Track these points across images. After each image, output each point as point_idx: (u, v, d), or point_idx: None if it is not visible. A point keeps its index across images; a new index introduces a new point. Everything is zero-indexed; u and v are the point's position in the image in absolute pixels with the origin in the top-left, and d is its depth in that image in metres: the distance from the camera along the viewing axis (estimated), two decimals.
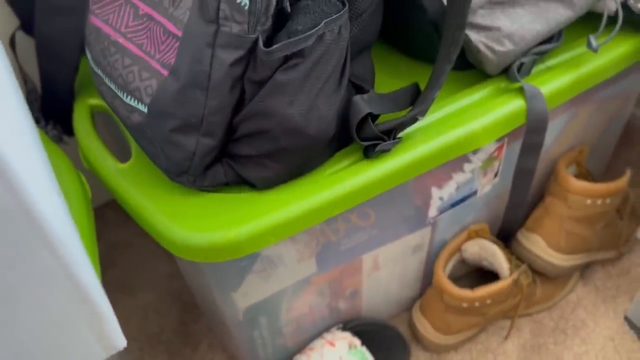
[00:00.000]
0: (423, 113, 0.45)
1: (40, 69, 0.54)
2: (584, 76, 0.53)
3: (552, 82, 0.51)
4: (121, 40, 0.42)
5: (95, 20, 0.44)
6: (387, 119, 0.46)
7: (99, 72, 0.44)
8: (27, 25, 0.58)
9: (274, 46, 0.38)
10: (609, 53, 0.54)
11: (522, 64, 0.51)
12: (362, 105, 0.43)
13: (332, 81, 0.41)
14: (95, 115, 0.54)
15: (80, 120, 0.52)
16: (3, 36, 0.60)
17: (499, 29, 0.49)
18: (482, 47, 0.50)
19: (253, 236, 0.41)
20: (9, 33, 0.60)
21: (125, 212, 0.47)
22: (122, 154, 0.52)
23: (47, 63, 0.53)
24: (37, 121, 0.59)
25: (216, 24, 0.37)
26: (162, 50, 0.40)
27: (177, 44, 0.39)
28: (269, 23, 0.39)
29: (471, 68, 0.53)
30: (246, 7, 0.36)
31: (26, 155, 0.28)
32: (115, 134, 0.56)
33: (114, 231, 0.80)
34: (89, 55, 0.46)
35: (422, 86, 0.48)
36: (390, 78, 0.55)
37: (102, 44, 0.43)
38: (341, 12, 0.40)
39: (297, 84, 0.39)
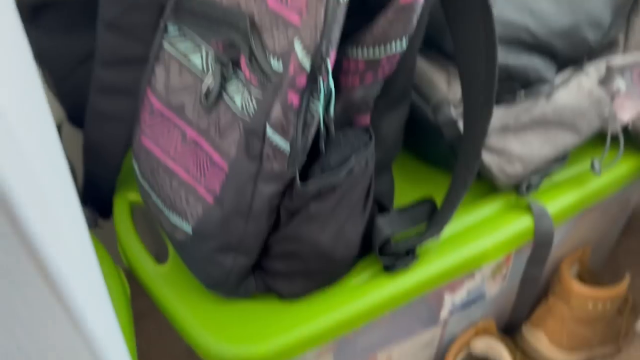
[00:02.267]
0: (439, 232, 0.49)
1: (85, 164, 0.58)
2: (588, 195, 0.57)
3: (558, 200, 0.56)
4: (170, 163, 0.46)
5: (145, 140, 0.48)
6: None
7: (145, 186, 0.48)
8: (73, 118, 0.63)
9: (309, 182, 0.42)
10: (612, 172, 0.58)
11: (530, 184, 0.55)
12: (385, 227, 0.47)
13: (358, 207, 0.46)
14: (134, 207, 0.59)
15: (121, 216, 0.56)
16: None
17: (510, 152, 0.54)
18: (494, 168, 0.54)
19: (284, 349, 0.45)
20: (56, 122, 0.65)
21: None
22: (157, 244, 0.56)
23: (92, 163, 0.57)
24: None
25: (259, 162, 0.41)
26: (207, 176, 0.44)
27: (222, 174, 0.43)
28: (304, 158, 0.43)
29: (482, 177, 0.58)
30: (287, 153, 0.41)
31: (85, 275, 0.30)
32: (153, 228, 0.60)
33: (133, 302, 0.83)
34: (136, 167, 0.50)
35: (438, 193, 0.52)
36: (406, 182, 0.59)
37: (151, 164, 0.47)
38: (368, 146, 0.45)
39: (328, 213, 0.44)
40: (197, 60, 0.47)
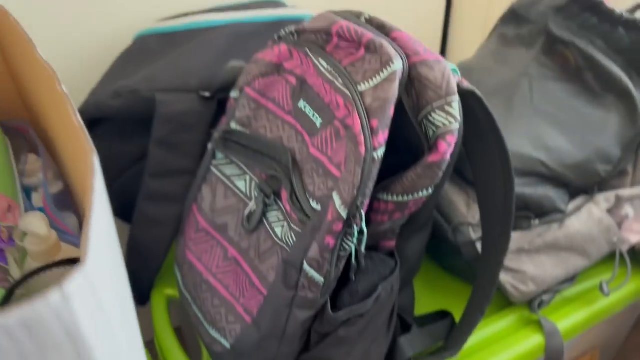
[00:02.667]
0: (456, 353, 0.53)
1: (127, 260, 0.63)
2: (597, 313, 0.60)
3: (569, 318, 0.59)
4: (212, 280, 0.51)
5: (190, 255, 0.53)
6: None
7: (188, 297, 0.53)
8: (118, 213, 0.68)
9: (340, 312, 0.46)
10: (620, 291, 0.61)
11: (542, 301, 0.59)
12: (407, 348, 0.51)
13: (383, 329, 0.50)
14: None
15: (159, 312, 0.60)
16: None
17: (524, 273, 0.58)
18: (509, 287, 0.58)
19: None
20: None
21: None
22: (192, 337, 0.60)
23: (135, 261, 0.62)
24: None
25: (295, 291, 0.46)
26: (246, 297, 0.49)
27: (261, 297, 0.47)
28: (335, 285, 0.47)
29: (498, 291, 0.62)
30: (321, 284, 0.45)
31: None
32: (188, 321, 0.64)
33: None
34: (179, 277, 0.55)
35: (455, 301, 0.55)
36: (425, 288, 0.63)
37: (194, 278, 0.52)
38: (394, 272, 0.49)
39: (356, 337, 0.47)
40: (241, 185, 0.52)
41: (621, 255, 0.59)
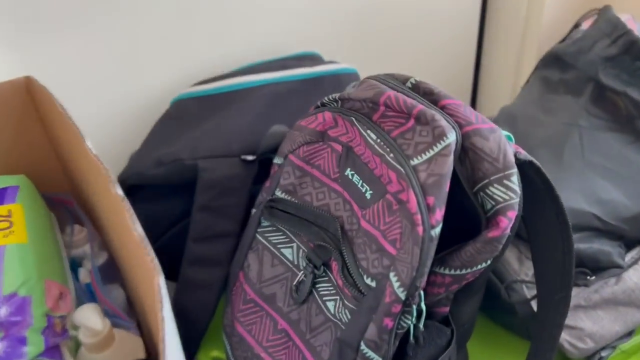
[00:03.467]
0: None
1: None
2: None
3: None
4: (263, 354, 0.50)
5: (239, 327, 0.52)
6: None
7: None
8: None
9: None
10: None
11: (601, 357, 0.57)
12: None
13: None
14: None
15: None
16: None
17: (582, 329, 0.56)
18: (565, 344, 0.56)
19: None
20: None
21: None
22: None
23: (180, 325, 0.61)
24: None
25: None
26: None
27: None
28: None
29: None
30: None
31: None
32: None
33: None
34: (228, 347, 0.54)
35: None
36: (480, 345, 0.61)
37: (245, 352, 0.51)
38: (451, 342, 0.47)
39: None
40: (288, 253, 0.51)
41: None
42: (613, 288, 0.55)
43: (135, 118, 0.61)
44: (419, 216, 0.40)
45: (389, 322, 0.41)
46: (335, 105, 0.49)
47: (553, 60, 0.61)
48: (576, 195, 0.54)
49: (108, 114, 0.61)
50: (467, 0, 0.80)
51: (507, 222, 0.41)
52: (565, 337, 0.55)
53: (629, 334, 0.58)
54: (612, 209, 0.54)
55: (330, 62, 0.62)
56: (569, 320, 0.56)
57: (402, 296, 0.40)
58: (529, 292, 0.55)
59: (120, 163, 0.60)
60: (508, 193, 0.41)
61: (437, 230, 0.40)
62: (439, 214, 0.40)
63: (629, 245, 0.57)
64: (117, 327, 0.44)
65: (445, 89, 0.93)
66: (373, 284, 0.43)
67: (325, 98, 0.50)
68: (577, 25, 0.61)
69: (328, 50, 0.68)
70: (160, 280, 0.30)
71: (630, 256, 0.56)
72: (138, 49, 0.58)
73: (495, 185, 0.41)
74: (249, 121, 0.56)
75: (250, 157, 0.55)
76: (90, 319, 0.39)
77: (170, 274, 0.63)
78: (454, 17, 0.80)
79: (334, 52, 0.70)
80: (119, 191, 0.36)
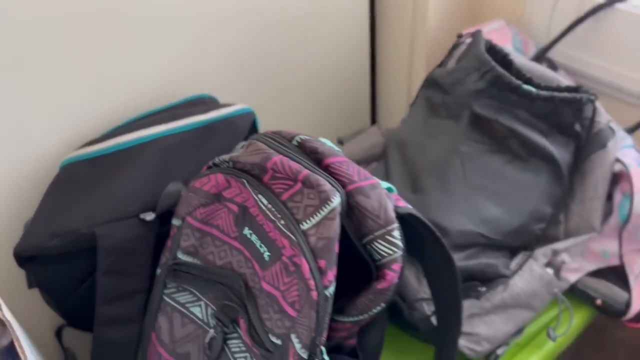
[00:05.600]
0: None
1: None
2: (547, 354, 0.65)
3: None
4: None
5: None
6: None
7: None
8: (73, 325, 0.67)
9: None
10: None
11: (496, 355, 0.63)
12: None
13: None
14: None
15: None
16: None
17: (478, 334, 0.61)
18: (465, 349, 0.61)
19: None
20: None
21: None
22: None
23: None
24: None
25: None
26: None
27: None
28: None
29: None
30: None
31: None
32: None
33: None
34: None
35: None
36: (393, 353, 0.66)
37: None
38: None
39: None
40: (197, 312, 0.52)
41: (563, 302, 0.63)
42: (502, 295, 0.60)
43: (24, 183, 0.59)
44: (312, 281, 0.42)
45: None
46: (227, 165, 0.50)
47: (433, 84, 0.64)
48: (462, 218, 0.58)
49: None
50: (354, 19, 0.82)
51: (393, 274, 0.44)
52: (464, 343, 0.61)
53: (520, 331, 0.64)
54: (495, 226, 0.59)
55: (223, 105, 0.62)
56: (466, 328, 0.61)
57: (305, 355, 0.43)
58: (429, 308, 0.59)
59: (15, 228, 0.59)
60: (391, 248, 0.44)
61: (330, 290, 0.43)
62: (331, 274, 0.43)
63: (514, 252, 0.63)
64: None
65: (345, 102, 0.95)
66: (278, 342, 0.45)
67: (217, 159, 0.51)
68: (452, 49, 0.65)
69: (222, 90, 0.68)
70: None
71: (515, 263, 0.62)
72: (19, 111, 0.56)
73: (380, 240, 0.44)
74: (143, 180, 0.55)
75: (149, 217, 0.55)
76: None
77: (87, 326, 0.63)
78: (344, 38, 0.83)
79: (228, 91, 0.70)
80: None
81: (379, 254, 0.44)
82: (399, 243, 0.44)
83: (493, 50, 0.62)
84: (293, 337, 0.43)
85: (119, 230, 0.54)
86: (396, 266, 0.44)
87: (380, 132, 0.77)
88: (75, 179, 0.56)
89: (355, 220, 0.45)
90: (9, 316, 0.43)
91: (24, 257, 0.56)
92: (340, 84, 0.86)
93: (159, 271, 0.55)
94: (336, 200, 0.43)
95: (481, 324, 0.61)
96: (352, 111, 0.90)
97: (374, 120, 0.97)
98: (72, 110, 0.59)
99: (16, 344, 0.43)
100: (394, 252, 0.44)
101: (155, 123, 0.58)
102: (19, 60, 0.54)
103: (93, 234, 0.53)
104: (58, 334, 0.67)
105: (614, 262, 0.65)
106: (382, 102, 0.94)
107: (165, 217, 0.56)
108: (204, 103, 0.62)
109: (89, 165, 0.56)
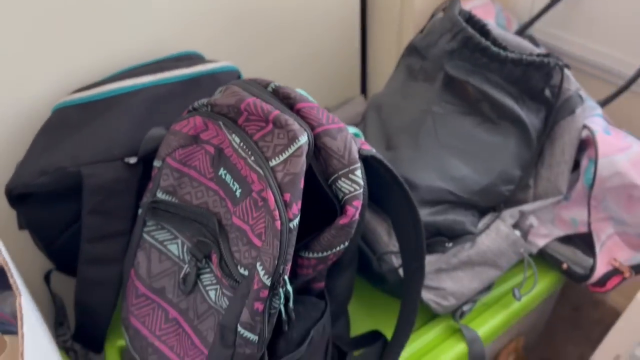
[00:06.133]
0: None
1: (77, 318, 0.65)
2: (513, 314, 0.67)
3: (487, 323, 0.66)
4: (156, 342, 0.54)
5: (133, 320, 0.56)
6: None
7: (137, 357, 0.56)
8: (61, 269, 0.70)
9: None
10: (531, 293, 0.68)
11: (462, 311, 0.65)
12: None
13: None
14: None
15: None
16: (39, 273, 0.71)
17: (444, 289, 0.63)
18: (431, 303, 0.64)
19: None
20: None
21: None
22: None
23: (84, 319, 0.64)
24: (64, 342, 0.70)
25: (233, 349, 0.50)
26: (190, 355, 0.52)
27: (202, 357, 0.51)
28: (270, 335, 0.52)
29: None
30: (256, 341, 0.49)
31: None
32: None
33: None
34: (127, 339, 0.58)
35: (387, 315, 0.61)
36: (360, 307, 0.68)
37: (140, 342, 0.55)
38: (325, 314, 0.54)
39: None
40: (174, 249, 0.55)
41: (529, 263, 0.65)
42: (469, 252, 0.63)
43: (17, 127, 0.62)
44: (277, 212, 0.45)
45: (259, 306, 0.47)
46: (206, 109, 0.53)
47: (413, 50, 0.67)
48: (432, 174, 0.61)
49: None
50: None
51: (354, 210, 0.47)
52: (430, 297, 0.63)
53: (487, 289, 0.66)
54: (464, 184, 0.61)
55: (210, 61, 0.65)
56: (432, 282, 0.63)
57: (268, 282, 0.46)
58: (397, 261, 0.62)
59: (8, 170, 0.62)
60: (353, 185, 0.47)
61: (294, 223, 0.46)
62: (295, 208, 0.46)
63: (482, 213, 0.65)
64: (10, 333, 0.47)
65: (335, 72, 0.97)
66: (245, 273, 0.48)
67: (196, 103, 0.54)
68: (432, 16, 0.67)
69: (211, 49, 0.71)
70: (22, 300, 0.33)
71: (482, 222, 0.64)
72: (13, 55, 0.59)
73: (343, 178, 0.47)
74: (129, 125, 0.58)
75: (132, 160, 0.58)
76: None
77: (74, 271, 0.66)
78: (336, 7, 0.85)
79: (218, 50, 0.72)
80: None
81: (342, 191, 0.47)
82: (360, 181, 0.47)
83: (472, 20, 0.65)
84: (258, 265, 0.46)
85: (104, 171, 0.57)
86: (357, 203, 0.47)
87: (366, 102, 0.80)
88: (65, 122, 0.59)
89: (322, 162, 0.48)
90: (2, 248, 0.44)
91: (15, 196, 0.60)
92: (331, 54, 0.88)
93: (140, 211, 0.58)
94: (303, 139, 0.46)
95: (448, 279, 0.63)
96: (342, 81, 0.93)
97: (364, 91, 0.99)
98: (65, 58, 0.62)
99: (5, 268, 0.45)
100: (355, 189, 0.47)
101: (143, 74, 0.61)
102: (15, 5, 0.57)
103: (79, 173, 0.56)
104: (47, 278, 0.71)
105: (583, 229, 0.68)
106: (372, 73, 0.96)
107: (149, 166, 0.59)
108: (190, 59, 0.65)
109: (79, 110, 0.59)
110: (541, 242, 0.68)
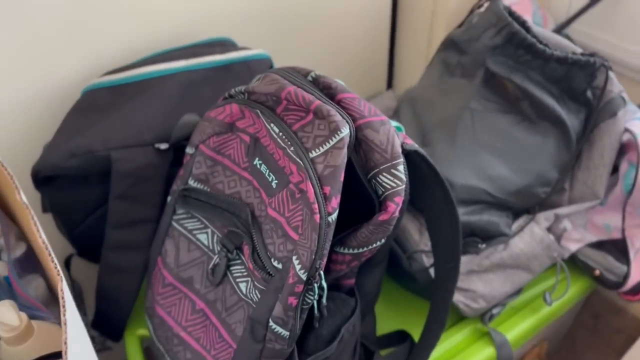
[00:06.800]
0: None
1: (97, 304, 0.64)
2: (542, 319, 0.66)
3: (516, 327, 0.64)
4: (182, 333, 0.53)
5: (159, 309, 0.55)
6: None
7: (161, 348, 0.55)
8: (82, 254, 0.69)
9: (308, 359, 0.49)
10: (563, 297, 0.67)
11: (492, 315, 0.64)
12: None
13: None
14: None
15: (132, 354, 0.62)
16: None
17: (475, 291, 0.62)
18: (461, 305, 0.62)
19: None
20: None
21: None
22: None
23: (105, 306, 0.63)
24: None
25: (263, 343, 0.48)
26: (217, 348, 0.51)
27: (231, 350, 0.50)
28: (300, 331, 0.50)
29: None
30: (287, 337, 0.48)
31: None
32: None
33: None
34: (151, 328, 0.57)
35: (416, 316, 0.60)
36: (386, 307, 0.67)
37: (165, 332, 0.54)
38: (355, 312, 0.52)
39: None
40: (204, 238, 0.54)
41: (561, 267, 0.64)
42: (502, 254, 0.61)
43: (47, 109, 0.61)
44: (316, 205, 0.43)
45: (293, 301, 0.46)
46: (243, 97, 0.52)
47: (451, 44, 0.65)
48: (468, 173, 0.59)
49: (19, 105, 0.60)
50: None
51: (395, 206, 0.45)
52: (460, 298, 0.62)
53: (517, 292, 0.65)
54: (500, 184, 0.60)
55: (242, 48, 0.64)
56: (463, 284, 0.62)
57: (304, 277, 0.44)
58: (428, 261, 0.61)
59: (35, 152, 0.61)
60: (395, 181, 0.45)
61: (333, 217, 0.44)
62: (335, 202, 0.44)
63: (516, 214, 0.64)
64: (36, 319, 0.46)
65: (362, 65, 0.95)
66: (279, 266, 0.47)
67: (233, 90, 0.52)
68: (472, 11, 0.65)
69: (240, 36, 0.69)
70: (63, 286, 0.32)
71: (517, 224, 0.63)
72: (45, 37, 0.58)
73: (384, 173, 0.45)
74: (161, 110, 0.57)
75: (163, 146, 0.56)
76: (6, 315, 0.41)
77: (95, 257, 0.65)
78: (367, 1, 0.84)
79: (246, 37, 0.71)
80: (24, 198, 0.37)
81: (383, 187, 0.46)
82: (403, 177, 0.45)
83: (513, 16, 0.63)
84: (294, 258, 0.45)
85: (134, 156, 0.56)
86: (398, 199, 0.45)
87: (396, 96, 0.78)
88: (95, 105, 0.58)
89: (362, 155, 0.47)
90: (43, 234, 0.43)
91: (41, 178, 0.59)
92: (359, 48, 0.87)
93: (169, 198, 0.56)
94: (345, 131, 0.44)
95: (479, 281, 0.62)
96: (368, 75, 0.91)
97: (389, 85, 0.98)
98: (97, 40, 0.61)
99: (44, 252, 0.42)
100: (397, 184, 0.45)
101: (175, 58, 0.60)
102: None
103: (108, 157, 0.55)
104: (67, 263, 0.69)
105: (616, 235, 0.66)
106: (400, 68, 0.94)
107: (179, 154, 0.58)
108: (223, 45, 0.64)
109: (109, 93, 0.58)
110: (573, 247, 0.66)
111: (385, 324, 0.65)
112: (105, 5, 0.60)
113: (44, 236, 0.35)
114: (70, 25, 0.59)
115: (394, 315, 0.66)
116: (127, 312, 0.62)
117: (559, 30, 0.77)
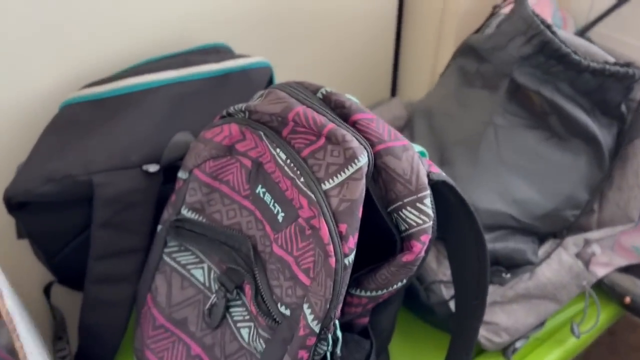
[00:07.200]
0: None
1: (80, 340, 0.58)
2: (569, 351, 0.60)
3: None
4: None
5: (150, 355, 0.49)
6: None
7: None
8: (62, 282, 0.62)
9: None
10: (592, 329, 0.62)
11: (515, 348, 0.58)
12: None
13: None
14: None
15: None
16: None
17: (497, 324, 0.56)
18: (482, 339, 0.57)
19: None
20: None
21: None
22: None
23: (89, 344, 0.57)
24: (63, 358, 0.63)
25: None
26: None
27: None
28: None
29: None
30: None
31: None
32: None
33: None
34: None
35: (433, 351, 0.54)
36: (402, 340, 0.61)
37: None
38: (370, 356, 0.47)
39: None
40: (199, 274, 0.48)
41: (590, 295, 0.58)
42: (527, 283, 0.56)
43: (21, 124, 0.54)
44: (331, 247, 0.38)
45: (304, 354, 0.40)
46: (243, 116, 0.45)
47: (469, 51, 0.59)
48: (492, 196, 0.54)
49: None
50: None
51: (421, 246, 0.40)
52: (481, 332, 0.56)
53: (542, 324, 0.59)
54: (527, 208, 0.54)
55: (240, 55, 0.57)
56: (485, 316, 0.56)
57: (317, 329, 0.39)
58: (447, 292, 0.55)
59: (8, 172, 0.54)
60: (421, 217, 0.39)
61: (350, 259, 0.39)
62: (352, 241, 0.38)
63: (542, 239, 0.58)
64: None
65: (365, 72, 0.89)
66: (287, 313, 0.41)
67: (232, 108, 0.46)
68: (492, 14, 0.59)
69: (238, 43, 0.63)
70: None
71: (542, 250, 0.57)
72: (17, 44, 0.51)
73: (409, 208, 0.39)
74: (149, 128, 0.51)
75: (152, 168, 0.50)
76: None
77: (77, 285, 0.59)
78: (371, 5, 0.77)
79: (245, 45, 0.64)
80: None
81: (407, 223, 0.40)
82: (430, 212, 0.39)
83: (544, 23, 0.57)
84: (305, 307, 0.39)
85: (119, 180, 0.49)
86: (425, 237, 0.39)
87: (403, 104, 0.72)
88: (75, 122, 0.51)
89: (381, 185, 0.41)
90: None
91: (15, 203, 0.52)
92: (362, 54, 0.81)
93: (159, 227, 0.50)
94: (363, 159, 0.38)
95: (502, 313, 0.56)
96: (371, 82, 0.85)
97: (393, 93, 0.92)
98: (77, 48, 0.54)
99: None
100: (424, 221, 0.39)
101: (165, 68, 0.54)
102: None
103: (90, 182, 0.49)
104: (46, 291, 0.63)
105: None
106: (404, 75, 0.88)
107: (170, 172, 0.52)
108: (218, 52, 0.58)
109: (90, 108, 0.52)
110: (601, 272, 0.61)
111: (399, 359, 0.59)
112: (85, 9, 0.53)
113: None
114: (46, 30, 0.52)
115: (410, 351, 0.60)
116: (113, 350, 0.56)
117: (582, 33, 0.72)
